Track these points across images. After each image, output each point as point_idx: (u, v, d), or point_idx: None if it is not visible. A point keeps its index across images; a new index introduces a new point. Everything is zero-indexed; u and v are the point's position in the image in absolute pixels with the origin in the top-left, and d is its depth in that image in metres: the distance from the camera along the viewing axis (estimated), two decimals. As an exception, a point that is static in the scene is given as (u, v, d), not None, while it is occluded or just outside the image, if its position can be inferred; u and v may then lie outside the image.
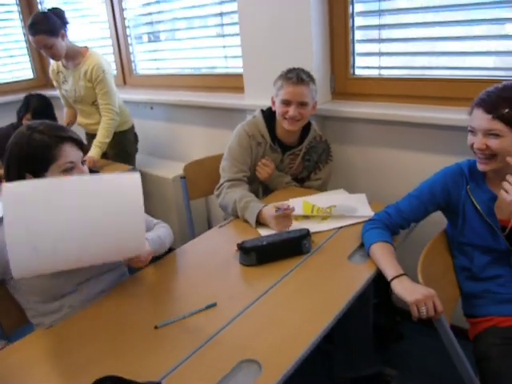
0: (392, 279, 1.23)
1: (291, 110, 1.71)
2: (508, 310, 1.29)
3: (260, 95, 2.08)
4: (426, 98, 1.79)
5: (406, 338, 1.95)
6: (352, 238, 1.47)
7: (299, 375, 1.01)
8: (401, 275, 1.24)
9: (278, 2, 1.94)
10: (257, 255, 1.35)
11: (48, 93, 2.95)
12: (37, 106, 2.56)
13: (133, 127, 2.67)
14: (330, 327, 1.08)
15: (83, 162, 1.24)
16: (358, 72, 2.01)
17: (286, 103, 1.72)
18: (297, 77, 1.69)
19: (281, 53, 2.00)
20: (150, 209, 1.81)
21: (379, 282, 1.98)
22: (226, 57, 2.49)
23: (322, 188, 1.91)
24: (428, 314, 1.15)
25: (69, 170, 1.19)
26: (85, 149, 1.27)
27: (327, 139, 1.93)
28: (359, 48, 1.97)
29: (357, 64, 2.00)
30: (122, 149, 2.57)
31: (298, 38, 1.93)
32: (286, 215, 1.49)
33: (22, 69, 3.61)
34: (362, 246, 1.41)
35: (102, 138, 2.39)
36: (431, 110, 1.75)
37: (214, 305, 1.17)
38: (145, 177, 2.58)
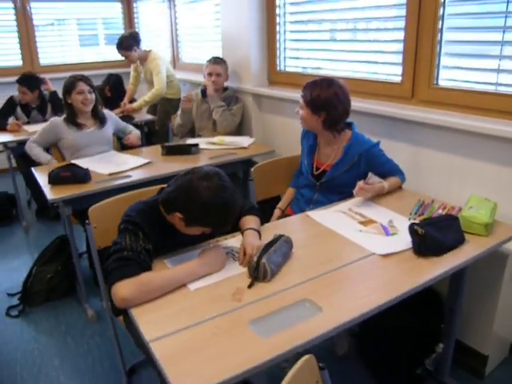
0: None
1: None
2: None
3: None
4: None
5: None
6: (219, 153, 2.72)
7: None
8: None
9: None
10: (166, 150, 2.70)
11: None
12: (114, 81, 4.19)
13: (179, 99, 4.14)
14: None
15: (89, 92, 2.70)
16: (287, 69, 3.21)
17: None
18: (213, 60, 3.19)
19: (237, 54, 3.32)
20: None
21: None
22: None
23: (234, 117, 3.18)
24: None
25: (80, 93, 2.66)
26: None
27: (239, 97, 3.27)
28: (289, 53, 3.17)
29: (286, 63, 3.20)
30: (165, 109, 4.07)
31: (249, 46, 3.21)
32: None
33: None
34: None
35: (147, 97, 3.91)
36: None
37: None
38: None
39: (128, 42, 3.89)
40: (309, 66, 3.04)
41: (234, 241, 1.59)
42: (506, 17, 1.96)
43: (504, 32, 1.98)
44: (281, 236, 1.47)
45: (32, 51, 4.92)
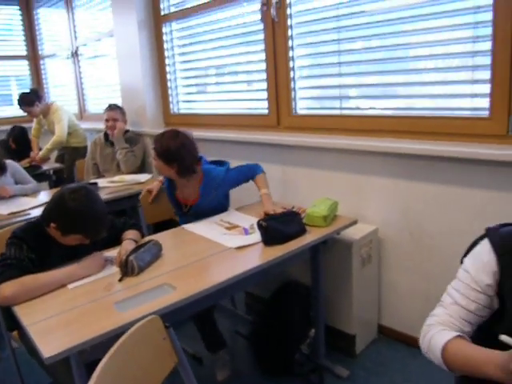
0: None
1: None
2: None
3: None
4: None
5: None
6: (117, 189, 2.96)
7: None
8: None
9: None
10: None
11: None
12: (17, 133, 4.30)
13: (85, 147, 4.37)
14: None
15: None
16: (181, 111, 3.58)
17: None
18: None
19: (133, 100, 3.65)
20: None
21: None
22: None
23: (136, 158, 3.46)
24: None
25: None
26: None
27: (139, 138, 3.55)
28: (181, 97, 3.55)
29: (180, 106, 3.57)
30: (72, 157, 4.25)
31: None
32: None
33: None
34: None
35: (49, 145, 4.09)
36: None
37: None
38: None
39: (29, 99, 4.10)
40: (199, 107, 3.43)
41: (114, 252, 1.83)
42: (339, 54, 2.46)
43: (340, 66, 2.47)
44: (150, 240, 1.74)
45: None
